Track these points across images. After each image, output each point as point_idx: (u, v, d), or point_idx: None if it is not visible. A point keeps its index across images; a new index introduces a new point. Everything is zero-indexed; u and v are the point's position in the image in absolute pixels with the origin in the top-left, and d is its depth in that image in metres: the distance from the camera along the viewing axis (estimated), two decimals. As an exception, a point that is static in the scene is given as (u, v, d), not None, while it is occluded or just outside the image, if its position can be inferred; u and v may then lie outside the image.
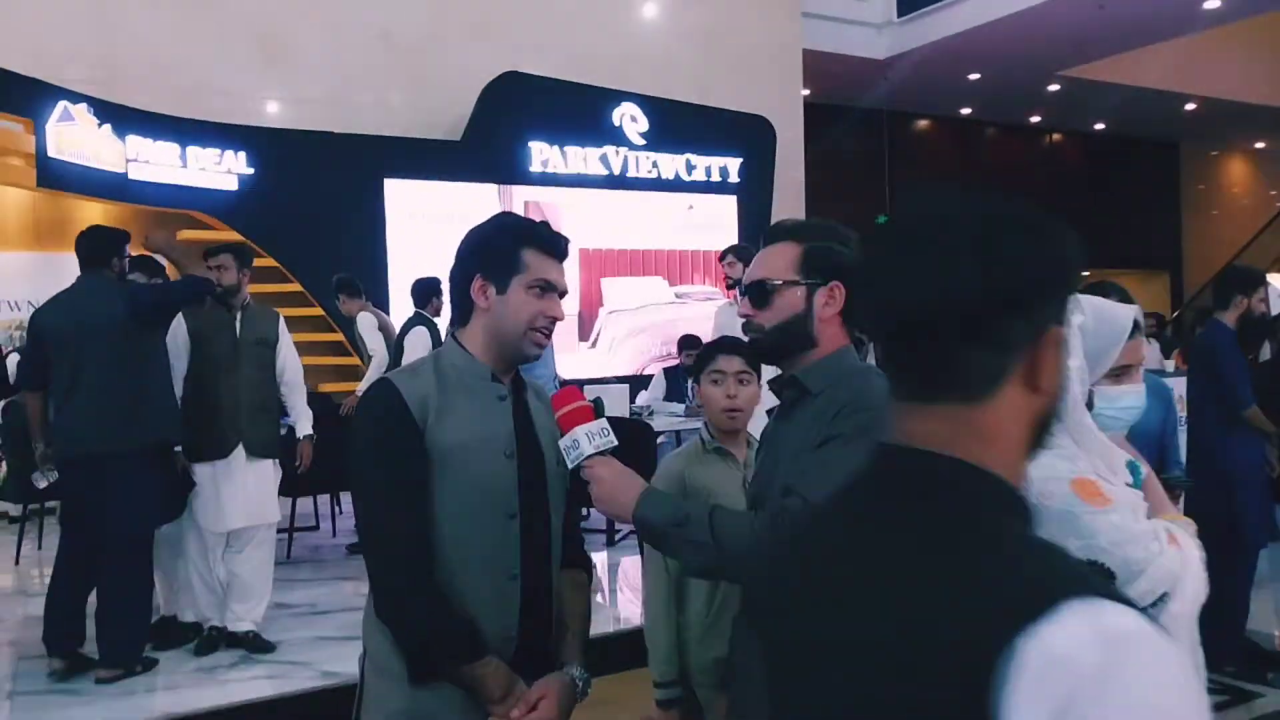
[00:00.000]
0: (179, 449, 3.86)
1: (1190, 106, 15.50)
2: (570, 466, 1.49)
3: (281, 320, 4.14)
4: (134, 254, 4.05)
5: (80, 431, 3.57)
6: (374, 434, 1.53)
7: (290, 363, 4.08)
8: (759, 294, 1.53)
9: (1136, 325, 1.56)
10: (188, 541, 3.93)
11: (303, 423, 4.15)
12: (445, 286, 5.58)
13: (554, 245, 1.61)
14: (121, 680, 3.51)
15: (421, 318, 5.52)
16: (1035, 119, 16.64)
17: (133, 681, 3.54)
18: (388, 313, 6.87)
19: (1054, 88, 14.27)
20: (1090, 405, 1.51)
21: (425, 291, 5.60)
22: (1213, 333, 4.05)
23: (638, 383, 7.52)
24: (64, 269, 7.57)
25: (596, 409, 1.50)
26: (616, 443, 1.49)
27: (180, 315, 3.80)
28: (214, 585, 3.93)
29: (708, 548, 1.37)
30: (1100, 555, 1.30)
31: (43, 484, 3.90)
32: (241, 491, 3.85)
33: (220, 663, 3.76)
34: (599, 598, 4.67)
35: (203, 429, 3.83)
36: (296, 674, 3.60)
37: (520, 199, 8.80)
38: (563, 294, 1.62)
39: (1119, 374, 1.59)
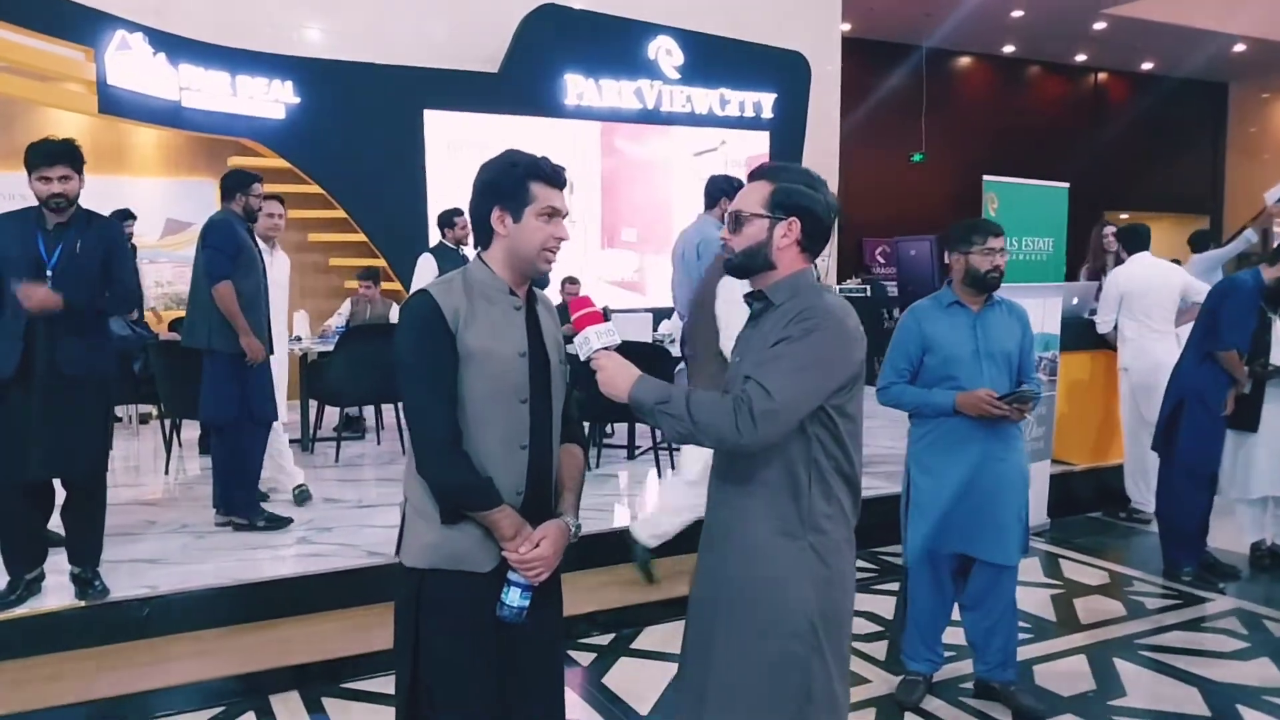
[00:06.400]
0: None
1: (1240, 48, 15.18)
2: (582, 358, 1.87)
3: None
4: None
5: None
6: (416, 336, 1.89)
7: None
8: (734, 222, 1.90)
9: None
10: None
11: None
12: (460, 219, 6.19)
13: (555, 176, 1.95)
14: (244, 530, 4.40)
15: (439, 246, 6.06)
16: (1081, 58, 16.36)
17: (206, 552, 4.10)
18: (426, 241, 7.29)
19: (1100, 26, 14.02)
20: None
21: (441, 222, 6.25)
22: (1234, 279, 4.30)
23: (660, 313, 7.88)
24: (119, 191, 8.09)
25: (605, 315, 1.90)
26: (620, 340, 1.87)
27: None
28: None
29: (684, 419, 1.73)
30: None
31: None
32: None
33: (282, 541, 4.28)
34: (621, 501, 5.13)
35: None
36: (347, 553, 4.10)
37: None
38: (565, 216, 1.97)
39: None
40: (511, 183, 1.92)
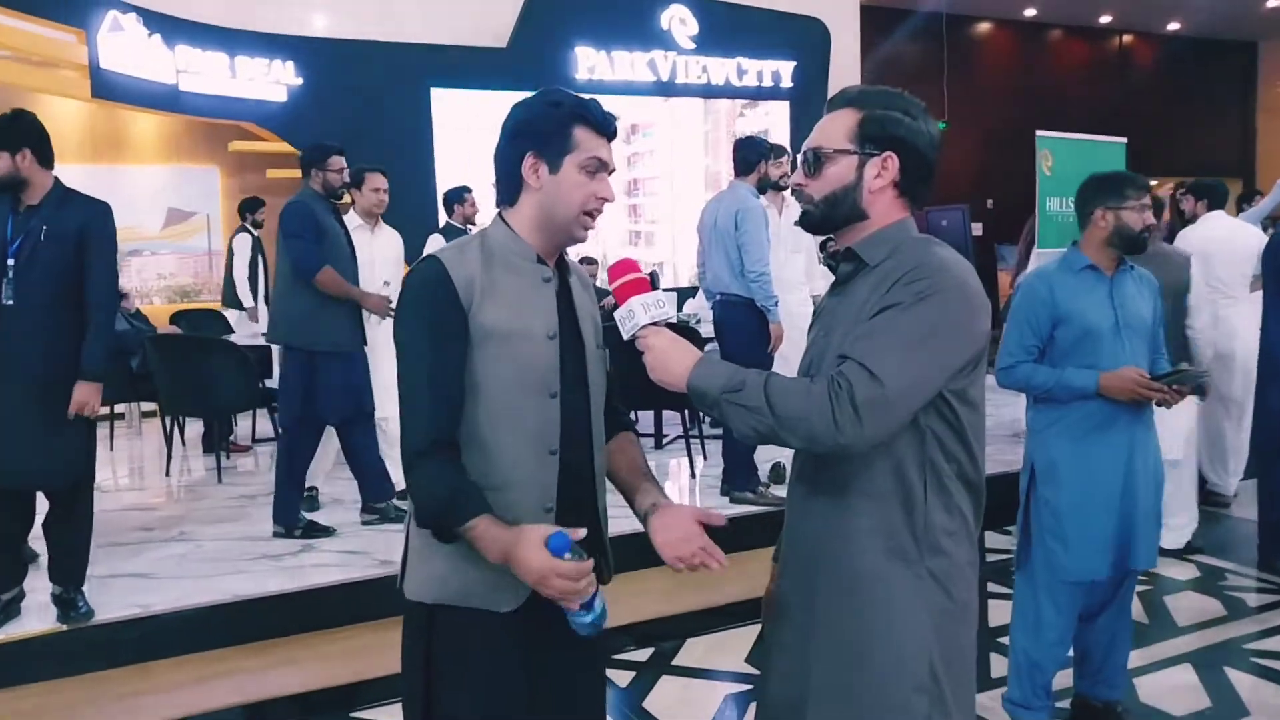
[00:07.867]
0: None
1: (1272, 3, 14.57)
2: (626, 337, 1.47)
3: None
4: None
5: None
6: (421, 312, 1.51)
7: None
8: (811, 162, 1.49)
9: None
10: None
11: None
12: (470, 196, 5.86)
13: (605, 123, 1.56)
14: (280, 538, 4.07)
15: (447, 226, 5.74)
16: (1105, 19, 15.80)
17: (205, 564, 3.77)
18: (436, 224, 6.93)
19: (1126, -15, 13.50)
20: None
21: (448, 201, 5.88)
22: None
23: (685, 293, 7.52)
24: (119, 181, 7.76)
25: (653, 281, 1.49)
26: (673, 315, 1.47)
27: None
28: None
29: (762, 411, 1.34)
30: None
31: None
32: None
33: (286, 550, 3.92)
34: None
35: None
36: (356, 562, 3.76)
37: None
38: (611, 173, 1.60)
39: None
40: (552, 125, 1.53)
